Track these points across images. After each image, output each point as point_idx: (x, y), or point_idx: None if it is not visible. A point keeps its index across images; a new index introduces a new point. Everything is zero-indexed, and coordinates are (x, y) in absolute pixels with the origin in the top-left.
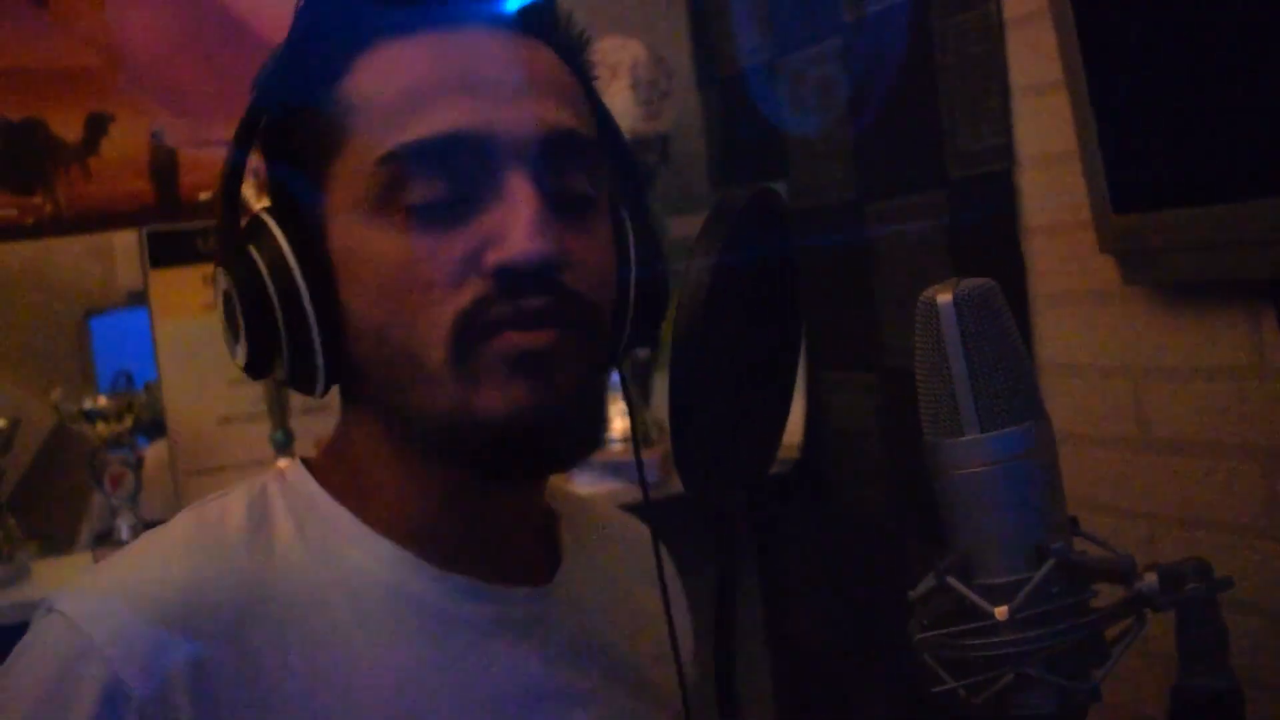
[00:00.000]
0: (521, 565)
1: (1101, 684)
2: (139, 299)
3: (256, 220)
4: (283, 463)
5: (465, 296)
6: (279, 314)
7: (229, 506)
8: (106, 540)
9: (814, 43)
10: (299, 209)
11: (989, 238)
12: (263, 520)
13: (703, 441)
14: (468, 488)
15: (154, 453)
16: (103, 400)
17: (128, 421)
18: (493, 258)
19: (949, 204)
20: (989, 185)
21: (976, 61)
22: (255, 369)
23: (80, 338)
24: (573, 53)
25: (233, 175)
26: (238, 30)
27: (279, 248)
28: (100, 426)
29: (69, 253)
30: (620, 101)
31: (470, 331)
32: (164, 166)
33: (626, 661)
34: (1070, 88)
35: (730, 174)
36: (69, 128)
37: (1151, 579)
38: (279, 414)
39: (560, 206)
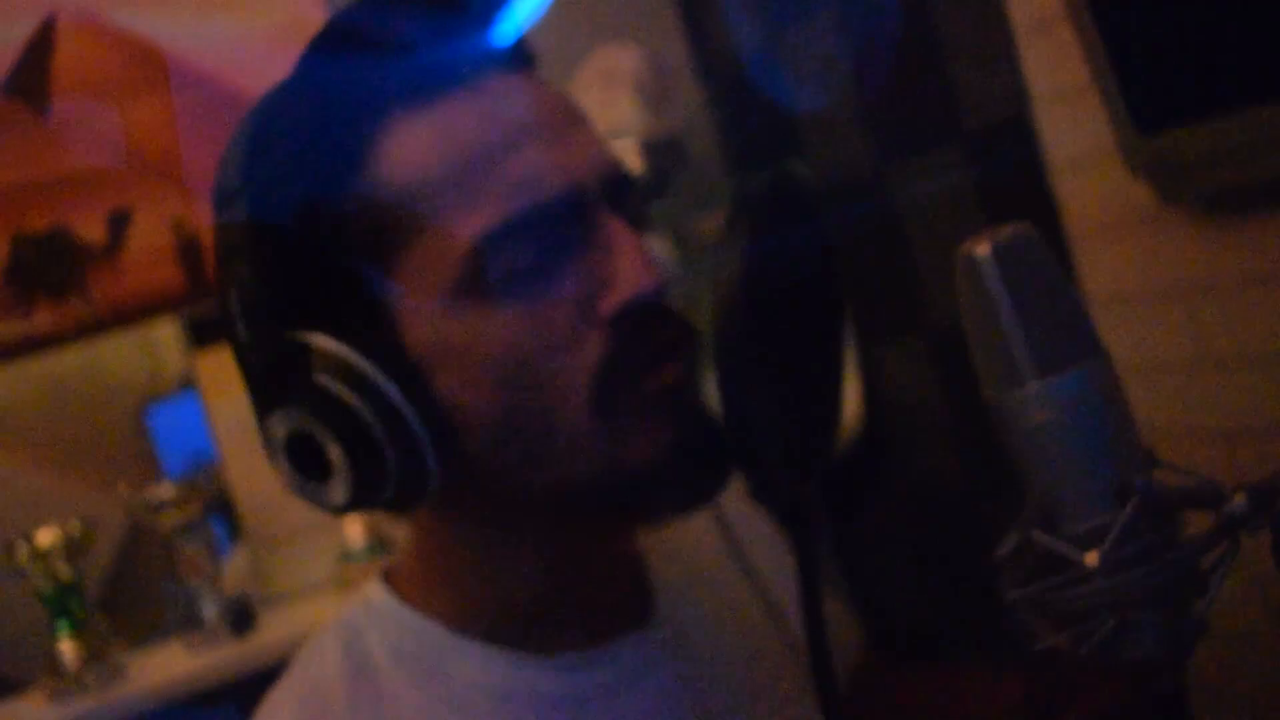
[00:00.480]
0: (622, 613)
1: (1206, 615)
2: (190, 381)
3: (298, 343)
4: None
5: (593, 353)
6: (382, 437)
7: (326, 658)
8: (195, 625)
9: (809, 16)
10: (351, 317)
11: (1016, 182)
12: (363, 665)
13: (760, 434)
14: (577, 561)
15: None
16: (168, 488)
17: (196, 505)
18: (613, 302)
19: (969, 155)
20: (1007, 130)
21: (974, 7)
22: (359, 503)
23: (139, 429)
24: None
25: (248, 300)
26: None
27: (351, 363)
28: (171, 514)
29: (115, 349)
30: (624, 109)
31: (609, 385)
32: (190, 251)
33: (747, 667)
34: (1074, 17)
35: (747, 162)
36: (92, 229)
37: (1240, 500)
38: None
39: (637, 233)
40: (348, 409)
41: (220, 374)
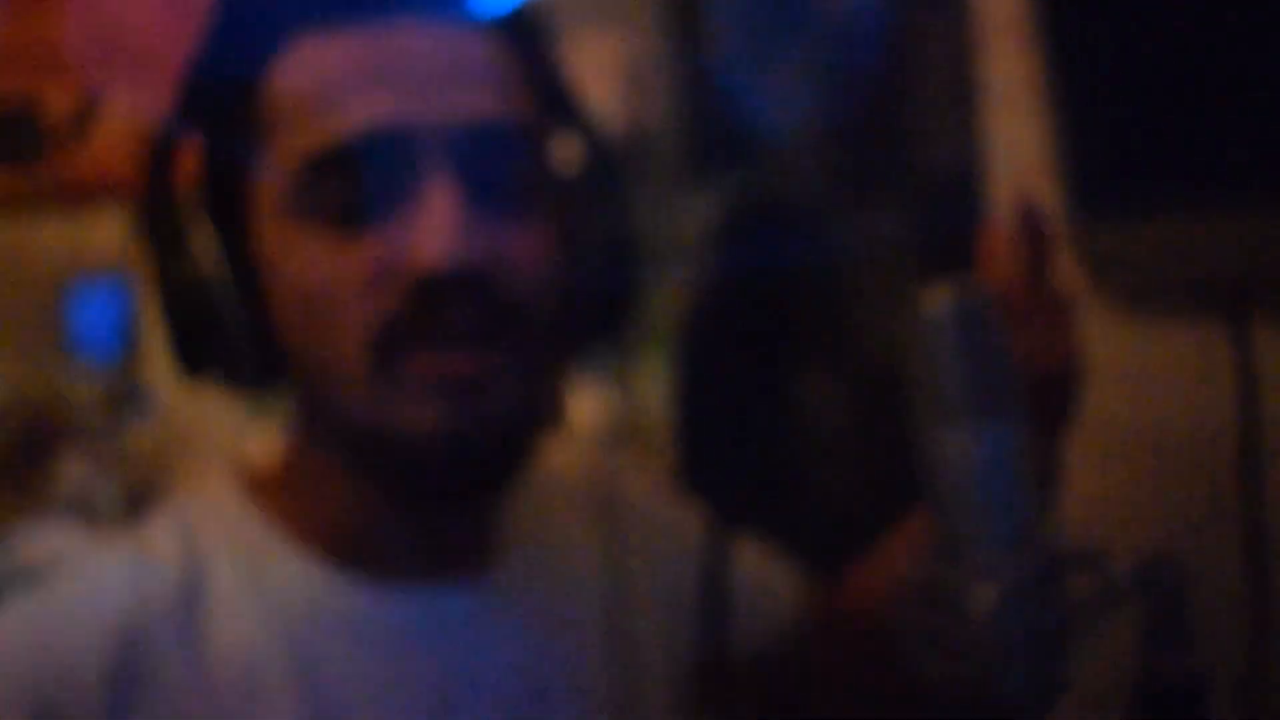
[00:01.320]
0: (460, 559)
1: (1072, 674)
2: (121, 271)
3: (186, 211)
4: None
5: (384, 307)
6: (210, 314)
7: (157, 531)
8: (91, 510)
9: (787, 38)
10: (222, 206)
11: (958, 242)
12: (190, 544)
13: (709, 448)
14: (386, 494)
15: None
16: (83, 370)
17: (110, 391)
18: (407, 265)
19: (918, 207)
20: (955, 189)
21: (945, 67)
22: (188, 371)
23: (62, 309)
24: (525, 36)
25: (158, 167)
26: None
27: (205, 246)
28: (82, 394)
29: (53, 227)
30: (601, 99)
31: (387, 348)
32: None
33: (574, 656)
34: (1041, 97)
35: (707, 170)
36: (59, 104)
37: (1125, 569)
38: None
39: (484, 204)
40: (192, 279)
41: None
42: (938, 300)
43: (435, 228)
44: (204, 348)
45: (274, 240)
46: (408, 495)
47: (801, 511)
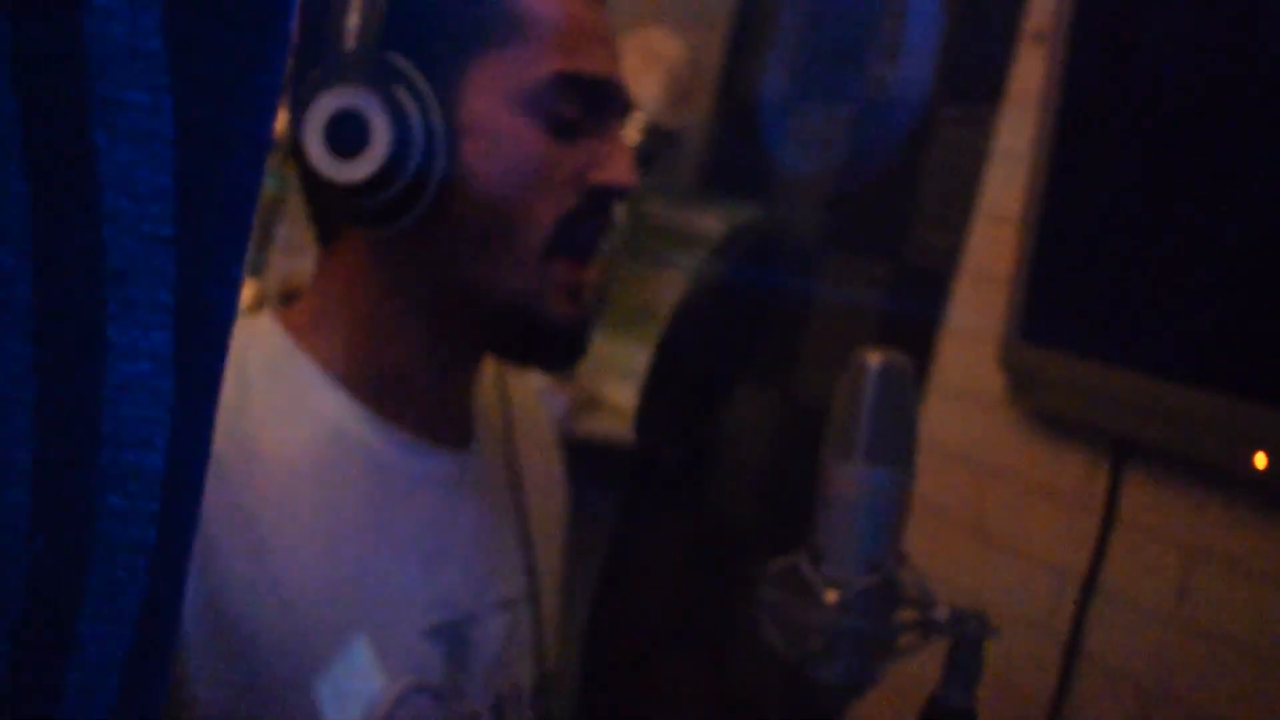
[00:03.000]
0: (453, 430)
1: (881, 674)
2: None
3: (391, 62)
4: (250, 292)
5: (567, 203)
6: (415, 145)
7: None
8: None
9: (829, 102)
10: (438, 68)
11: (914, 319)
12: (240, 368)
13: (666, 404)
14: (452, 357)
15: None
16: None
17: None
18: (601, 177)
19: (892, 279)
20: (931, 280)
21: (958, 175)
22: (363, 189)
23: None
24: None
25: (371, 13)
26: None
27: (422, 91)
28: None
29: None
30: (650, 89)
31: (561, 238)
32: None
33: (512, 530)
34: (1023, 224)
35: (720, 182)
36: None
37: (944, 611)
38: (261, 243)
39: None
40: (404, 113)
41: None
42: (873, 356)
43: (623, 157)
44: (388, 180)
45: (500, 120)
46: (530, 358)
47: (721, 499)
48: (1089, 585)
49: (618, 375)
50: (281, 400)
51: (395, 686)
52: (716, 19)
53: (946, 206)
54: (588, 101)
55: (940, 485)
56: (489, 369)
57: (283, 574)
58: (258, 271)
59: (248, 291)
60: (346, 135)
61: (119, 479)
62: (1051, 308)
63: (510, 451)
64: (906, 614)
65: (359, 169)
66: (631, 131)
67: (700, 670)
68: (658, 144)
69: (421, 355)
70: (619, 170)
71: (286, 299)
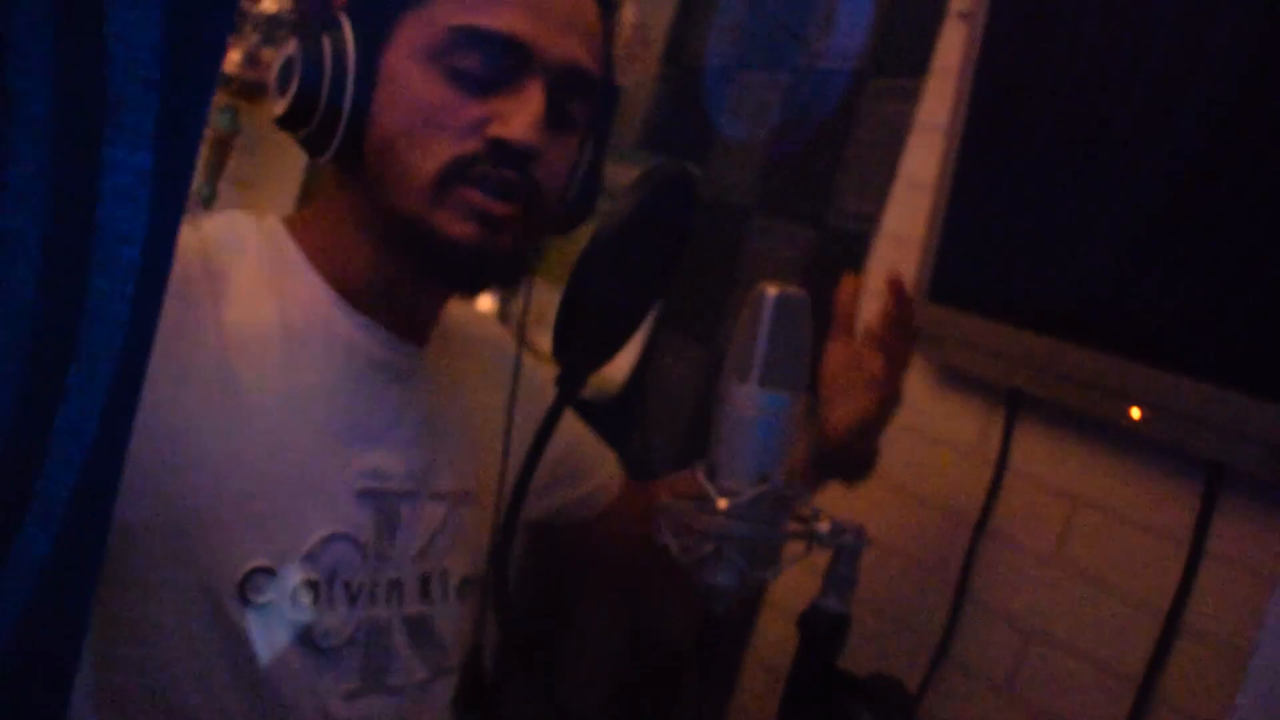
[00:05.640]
0: (415, 328)
1: (767, 582)
2: None
3: (334, 18)
4: None
5: (463, 148)
6: (325, 91)
7: (222, 217)
8: None
9: (767, 69)
10: (368, 25)
11: (835, 277)
12: (241, 235)
13: (579, 320)
14: (400, 266)
15: None
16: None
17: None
18: (495, 130)
19: (817, 240)
20: (852, 240)
21: (882, 142)
22: (289, 121)
23: None
24: (608, 6)
25: None
26: None
27: (345, 46)
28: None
29: None
30: None
31: (454, 174)
32: None
33: (461, 428)
34: (936, 190)
35: (659, 142)
36: None
37: (825, 525)
38: (213, 171)
39: (553, 120)
40: (321, 63)
41: None
42: (771, 288)
43: (530, 115)
44: (306, 115)
45: (407, 70)
46: (424, 271)
47: (646, 441)
48: (979, 529)
49: (549, 326)
50: (270, 273)
51: (323, 528)
52: None
53: (870, 173)
54: (488, 56)
55: None
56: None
57: (236, 405)
58: (208, 203)
59: None
60: (285, 77)
61: (105, 264)
62: (957, 270)
63: (469, 369)
64: (793, 526)
65: (280, 105)
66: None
67: (612, 622)
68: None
69: (377, 261)
70: (516, 127)
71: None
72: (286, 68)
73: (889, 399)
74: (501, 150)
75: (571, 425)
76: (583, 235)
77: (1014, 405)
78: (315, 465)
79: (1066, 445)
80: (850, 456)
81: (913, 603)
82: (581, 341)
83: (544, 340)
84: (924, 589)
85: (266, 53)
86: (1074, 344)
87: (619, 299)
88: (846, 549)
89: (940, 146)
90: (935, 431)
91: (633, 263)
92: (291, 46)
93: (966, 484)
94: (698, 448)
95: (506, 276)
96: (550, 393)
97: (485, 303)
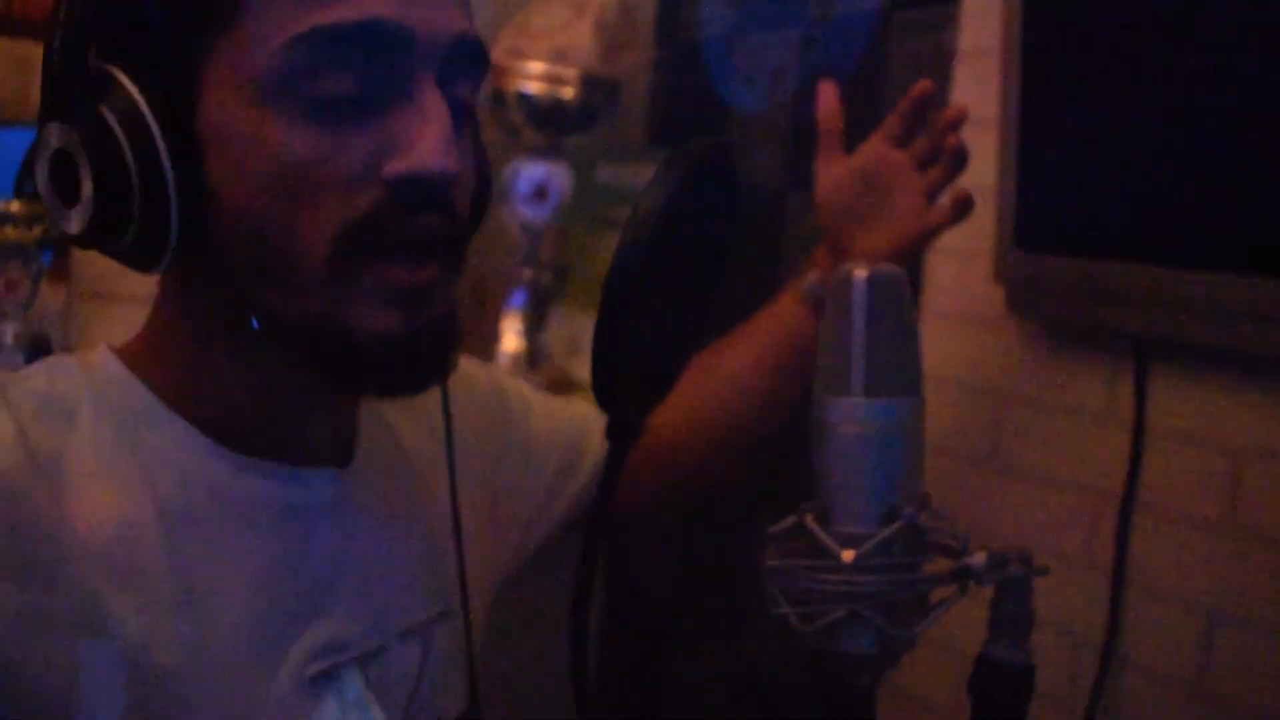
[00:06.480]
0: (328, 447)
1: (917, 637)
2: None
3: (104, 74)
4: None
5: (358, 205)
6: (134, 181)
7: (30, 380)
8: None
9: (776, 28)
10: (160, 72)
11: None
12: (64, 397)
13: (622, 360)
14: (292, 382)
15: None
16: (15, 205)
17: (36, 232)
18: (397, 166)
19: None
20: None
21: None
22: (92, 238)
23: None
24: None
25: (77, 15)
26: None
27: (139, 110)
28: (9, 230)
29: None
30: (581, 39)
31: (356, 245)
32: None
33: (419, 542)
34: (1002, 125)
35: (669, 132)
36: None
37: (980, 557)
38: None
39: (454, 118)
40: (113, 144)
41: None
42: (858, 269)
43: (436, 128)
44: (116, 217)
45: (237, 118)
46: (353, 387)
47: None
48: (1127, 503)
49: (589, 352)
50: (112, 433)
51: None
52: None
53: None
54: (357, 64)
55: (945, 418)
56: None
57: (122, 634)
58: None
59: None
60: (64, 178)
61: None
62: (1045, 208)
63: (421, 454)
64: (937, 565)
65: (71, 221)
66: (568, 88)
67: (714, 654)
68: (597, 98)
69: (256, 381)
70: (423, 152)
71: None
72: (60, 165)
73: (931, 220)
74: (411, 189)
75: (530, 416)
76: (607, 248)
77: (1144, 354)
78: (244, 672)
79: (1215, 391)
80: None
81: (1066, 601)
82: (628, 382)
83: (583, 369)
84: (1075, 582)
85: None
86: (1209, 271)
87: (665, 320)
88: (1013, 583)
89: (996, 72)
90: (1053, 400)
91: (674, 272)
92: (54, 135)
93: (1102, 455)
94: (774, 465)
95: (445, 361)
96: (508, 391)
97: (510, 342)
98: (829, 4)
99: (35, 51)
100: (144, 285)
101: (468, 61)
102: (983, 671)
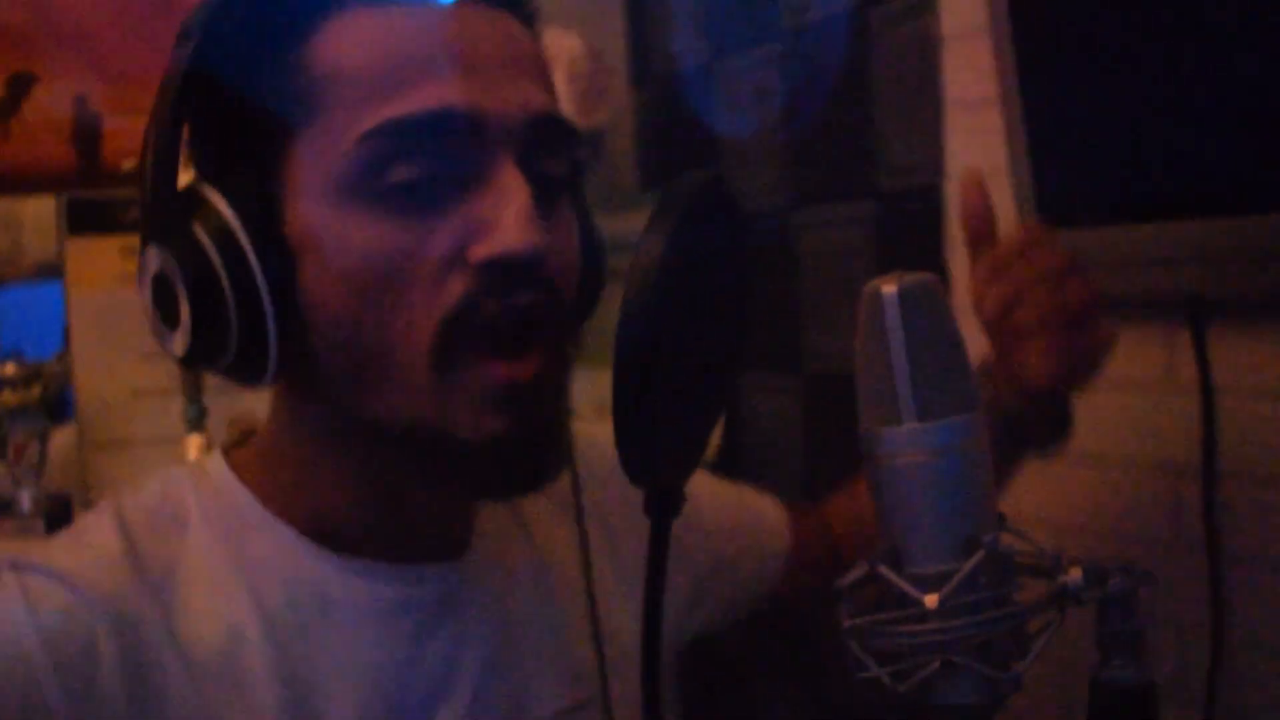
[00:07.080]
0: (439, 542)
1: (1023, 675)
2: (46, 272)
3: (196, 194)
4: (196, 447)
5: (451, 296)
6: (230, 299)
7: (144, 494)
8: (6, 512)
9: (752, 46)
10: (246, 184)
11: (915, 248)
12: (176, 509)
13: (647, 424)
14: (399, 486)
15: (61, 431)
16: (10, 368)
17: (35, 391)
18: (482, 251)
19: (878, 214)
20: (918, 197)
21: (912, 74)
22: (196, 359)
23: None
24: (534, 27)
25: (166, 140)
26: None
27: (228, 224)
28: (6, 395)
29: None
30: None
31: (454, 339)
32: (87, 133)
33: (548, 629)
34: (1003, 103)
35: (661, 173)
36: None
37: (1076, 575)
38: (193, 390)
39: (541, 195)
40: (205, 262)
41: (88, 265)
42: (886, 284)
43: (512, 213)
44: (217, 337)
45: (321, 221)
46: (462, 492)
47: None
48: (1208, 471)
49: (606, 411)
50: (218, 540)
51: None
52: (610, 11)
53: (912, 113)
54: (432, 152)
55: None
56: None
57: None
58: (200, 425)
59: (193, 445)
60: (166, 302)
61: None
62: (1067, 182)
63: (549, 534)
64: (1030, 591)
65: (175, 342)
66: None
67: (801, 709)
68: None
69: (362, 485)
70: (507, 233)
71: (242, 439)
72: (161, 289)
73: (1101, 336)
74: (500, 271)
75: (702, 504)
76: (613, 299)
77: (1198, 314)
78: None
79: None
80: (1046, 414)
81: (1163, 588)
82: (656, 448)
83: (603, 429)
84: (1169, 564)
85: None
86: (1256, 216)
87: (687, 374)
88: (1117, 599)
89: (986, 51)
90: (1109, 376)
91: (688, 318)
92: (152, 258)
93: (1171, 426)
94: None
95: (555, 461)
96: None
97: None
98: (802, 12)
99: (21, 208)
100: (153, 427)
101: (550, 138)
102: (1100, 699)
